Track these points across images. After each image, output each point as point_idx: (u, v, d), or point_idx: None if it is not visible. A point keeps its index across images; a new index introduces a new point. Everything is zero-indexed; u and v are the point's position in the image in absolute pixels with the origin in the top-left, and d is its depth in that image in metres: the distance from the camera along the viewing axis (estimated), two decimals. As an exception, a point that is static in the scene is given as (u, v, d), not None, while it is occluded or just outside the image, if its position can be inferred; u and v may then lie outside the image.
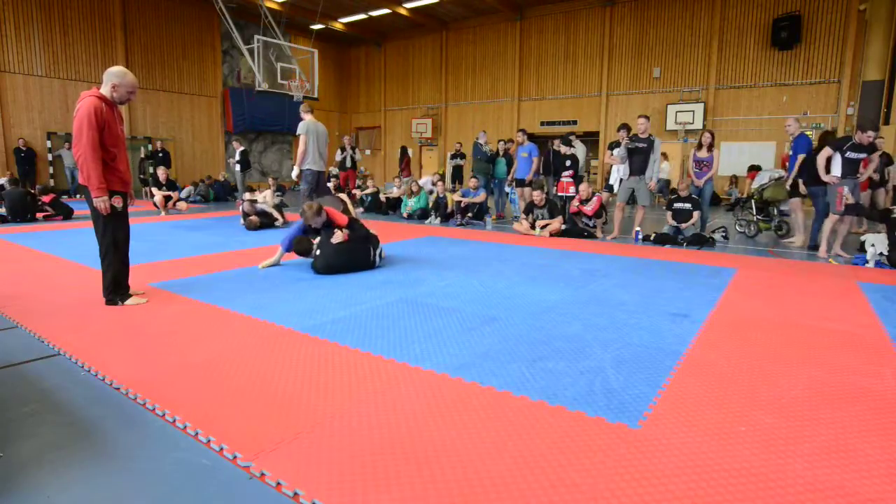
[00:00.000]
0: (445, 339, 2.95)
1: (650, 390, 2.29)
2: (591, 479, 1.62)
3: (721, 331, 3.17)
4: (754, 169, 12.94)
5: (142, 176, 12.51)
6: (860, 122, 6.25)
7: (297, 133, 6.98)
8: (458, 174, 12.23)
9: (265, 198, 8.46)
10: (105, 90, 3.46)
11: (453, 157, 12.28)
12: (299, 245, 4.76)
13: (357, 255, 4.71)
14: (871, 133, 5.96)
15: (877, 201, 7.85)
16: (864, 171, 6.31)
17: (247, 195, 9.16)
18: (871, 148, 6.07)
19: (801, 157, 6.70)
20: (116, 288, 3.59)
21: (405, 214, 9.88)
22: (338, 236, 4.61)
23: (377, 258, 4.92)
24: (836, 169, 6.15)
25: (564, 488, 1.57)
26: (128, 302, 3.60)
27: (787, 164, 7.70)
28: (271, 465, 1.67)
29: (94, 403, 2.15)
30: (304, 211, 4.62)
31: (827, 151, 6.20)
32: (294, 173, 7.20)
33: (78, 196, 11.97)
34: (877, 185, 7.96)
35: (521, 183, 9.22)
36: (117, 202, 3.50)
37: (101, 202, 3.40)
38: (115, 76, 3.46)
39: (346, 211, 4.92)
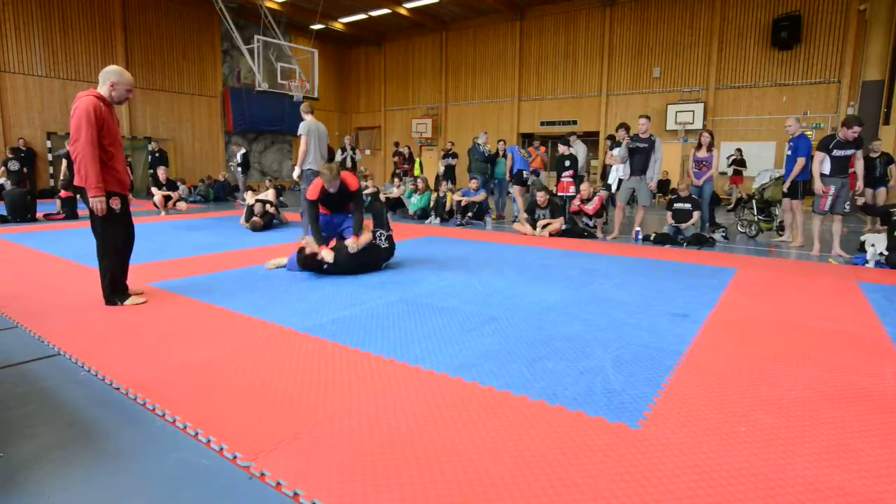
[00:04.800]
0: (445, 339, 2.95)
1: (650, 390, 2.29)
2: (591, 479, 1.62)
3: (721, 331, 3.17)
4: (737, 174, 12.94)
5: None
6: (845, 119, 6.18)
7: (297, 133, 6.98)
8: (450, 174, 12.01)
9: (267, 196, 8.47)
10: (103, 90, 3.42)
11: (445, 156, 12.16)
12: (306, 264, 4.59)
13: (368, 266, 4.73)
14: (856, 128, 5.95)
15: (876, 201, 7.82)
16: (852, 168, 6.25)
17: (248, 194, 9.15)
18: (857, 144, 6.04)
19: (801, 160, 6.68)
20: (115, 288, 3.58)
21: (411, 212, 9.91)
22: (352, 246, 4.56)
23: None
24: (826, 168, 6.17)
25: (564, 488, 1.57)
26: (127, 302, 3.60)
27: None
28: (271, 465, 1.67)
29: (94, 403, 2.15)
30: (324, 173, 4.52)
31: (819, 156, 6.22)
32: (295, 174, 7.19)
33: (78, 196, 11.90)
34: (878, 184, 7.92)
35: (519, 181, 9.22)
36: (115, 204, 3.46)
37: (98, 202, 3.36)
38: (113, 74, 3.43)
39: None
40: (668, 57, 15.16)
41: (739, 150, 13.12)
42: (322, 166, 4.62)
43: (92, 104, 3.29)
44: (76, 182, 3.40)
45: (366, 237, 4.70)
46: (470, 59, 19.02)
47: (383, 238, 4.87)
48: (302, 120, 7.04)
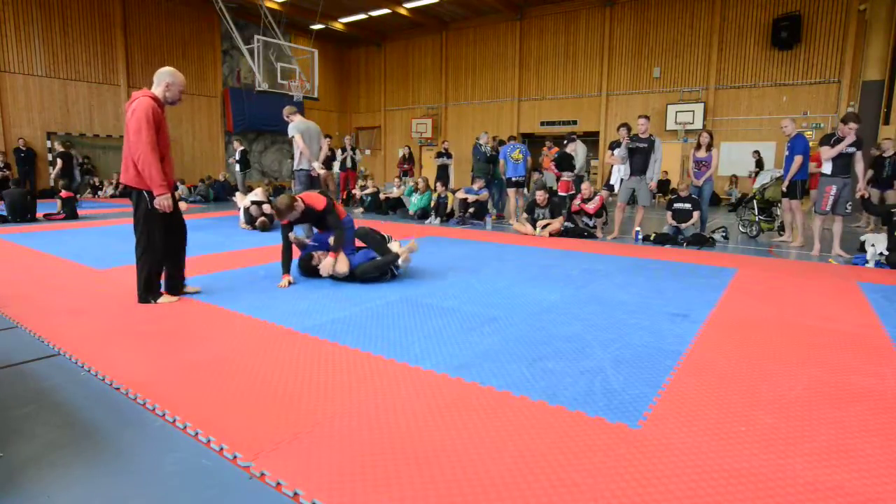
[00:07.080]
0: (445, 338, 2.95)
1: (650, 390, 2.29)
2: (591, 479, 1.62)
3: (721, 331, 3.17)
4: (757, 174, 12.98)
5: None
6: (844, 116, 6.16)
7: (289, 136, 6.79)
8: (443, 174, 11.76)
9: (256, 195, 8.41)
10: (157, 91, 3.48)
11: (439, 156, 12.01)
12: (307, 269, 4.50)
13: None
14: (851, 125, 5.94)
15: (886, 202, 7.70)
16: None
17: (238, 196, 9.13)
18: (857, 143, 6.03)
19: (798, 158, 6.69)
20: (148, 287, 3.62)
21: (412, 212, 9.91)
22: (324, 268, 4.27)
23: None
24: (828, 168, 6.17)
25: (564, 488, 1.57)
26: (160, 300, 3.64)
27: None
28: (271, 465, 1.67)
29: (94, 403, 2.15)
30: (278, 208, 4.15)
31: (824, 151, 6.22)
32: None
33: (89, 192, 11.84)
34: (887, 185, 7.77)
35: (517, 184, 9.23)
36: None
37: (164, 199, 3.43)
38: (168, 75, 3.51)
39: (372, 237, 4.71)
40: (668, 57, 15.15)
41: (758, 152, 13.11)
42: (275, 203, 4.24)
43: (150, 106, 3.34)
44: (122, 179, 3.46)
45: (343, 266, 4.34)
46: (470, 59, 19.01)
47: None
48: (289, 123, 6.87)
